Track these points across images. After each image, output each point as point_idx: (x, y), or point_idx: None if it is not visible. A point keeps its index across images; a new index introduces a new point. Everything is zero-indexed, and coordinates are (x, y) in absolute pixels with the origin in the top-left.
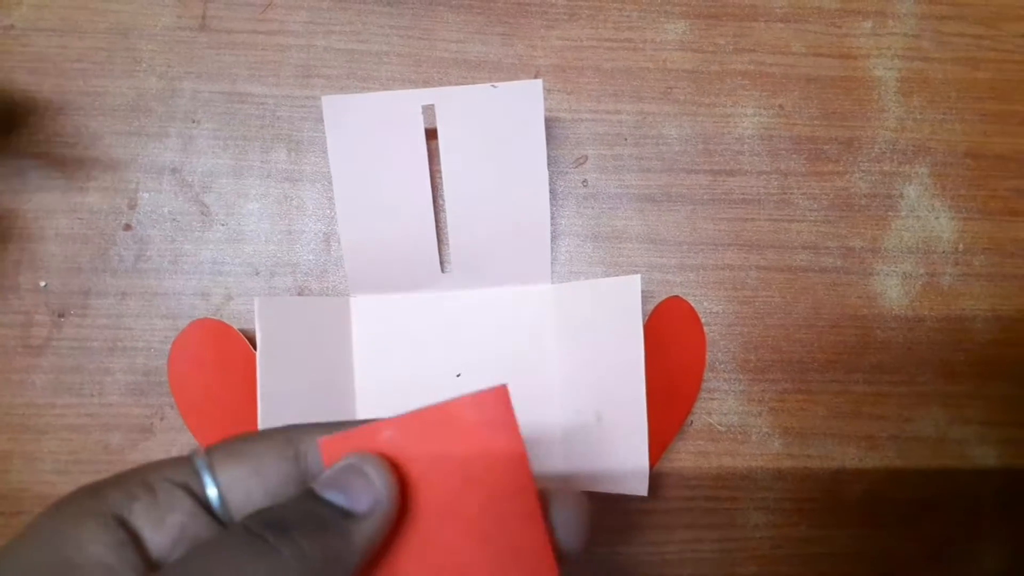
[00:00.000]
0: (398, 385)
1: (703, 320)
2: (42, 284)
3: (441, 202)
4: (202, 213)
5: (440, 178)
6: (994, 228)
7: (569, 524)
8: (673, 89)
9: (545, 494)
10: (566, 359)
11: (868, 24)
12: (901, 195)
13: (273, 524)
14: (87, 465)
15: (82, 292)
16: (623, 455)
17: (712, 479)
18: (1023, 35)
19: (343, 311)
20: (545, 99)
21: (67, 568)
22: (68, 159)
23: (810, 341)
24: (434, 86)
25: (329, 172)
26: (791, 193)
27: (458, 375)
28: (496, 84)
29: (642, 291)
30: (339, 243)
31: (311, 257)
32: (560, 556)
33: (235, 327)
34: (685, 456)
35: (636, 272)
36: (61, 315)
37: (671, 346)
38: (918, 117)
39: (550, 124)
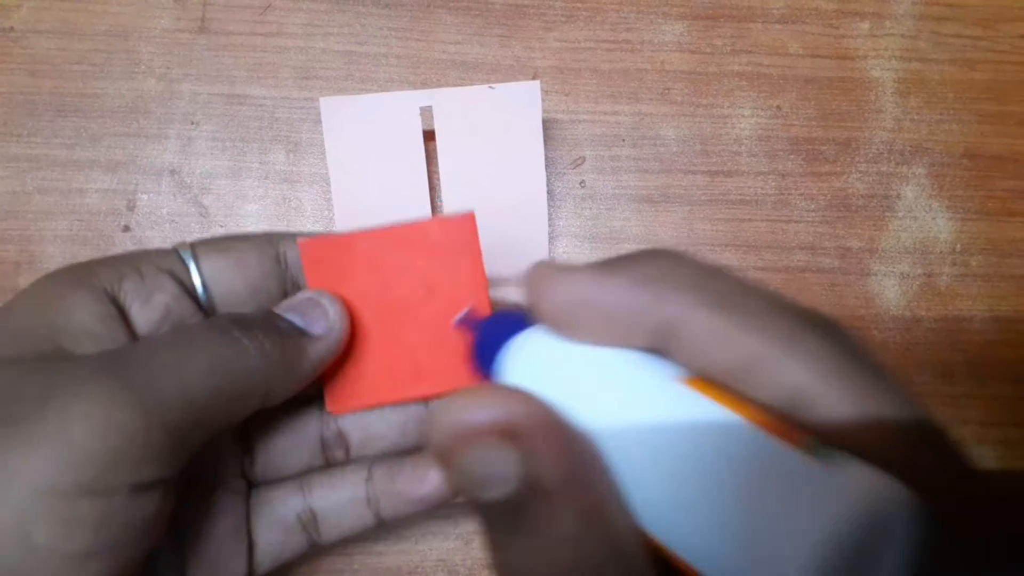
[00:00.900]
0: None
1: None
2: None
3: (439, 203)
4: (201, 215)
5: (438, 179)
6: (991, 229)
7: None
8: (671, 90)
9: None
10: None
11: (865, 25)
12: (898, 196)
13: (239, 321)
14: None
15: None
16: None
17: None
18: (1020, 36)
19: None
20: (543, 100)
21: (52, 331)
22: (67, 161)
23: None
24: (432, 87)
25: (327, 173)
26: (788, 194)
27: None
28: (494, 85)
29: None
30: None
31: None
32: None
33: None
34: None
35: None
36: None
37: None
38: (915, 118)
39: (548, 125)
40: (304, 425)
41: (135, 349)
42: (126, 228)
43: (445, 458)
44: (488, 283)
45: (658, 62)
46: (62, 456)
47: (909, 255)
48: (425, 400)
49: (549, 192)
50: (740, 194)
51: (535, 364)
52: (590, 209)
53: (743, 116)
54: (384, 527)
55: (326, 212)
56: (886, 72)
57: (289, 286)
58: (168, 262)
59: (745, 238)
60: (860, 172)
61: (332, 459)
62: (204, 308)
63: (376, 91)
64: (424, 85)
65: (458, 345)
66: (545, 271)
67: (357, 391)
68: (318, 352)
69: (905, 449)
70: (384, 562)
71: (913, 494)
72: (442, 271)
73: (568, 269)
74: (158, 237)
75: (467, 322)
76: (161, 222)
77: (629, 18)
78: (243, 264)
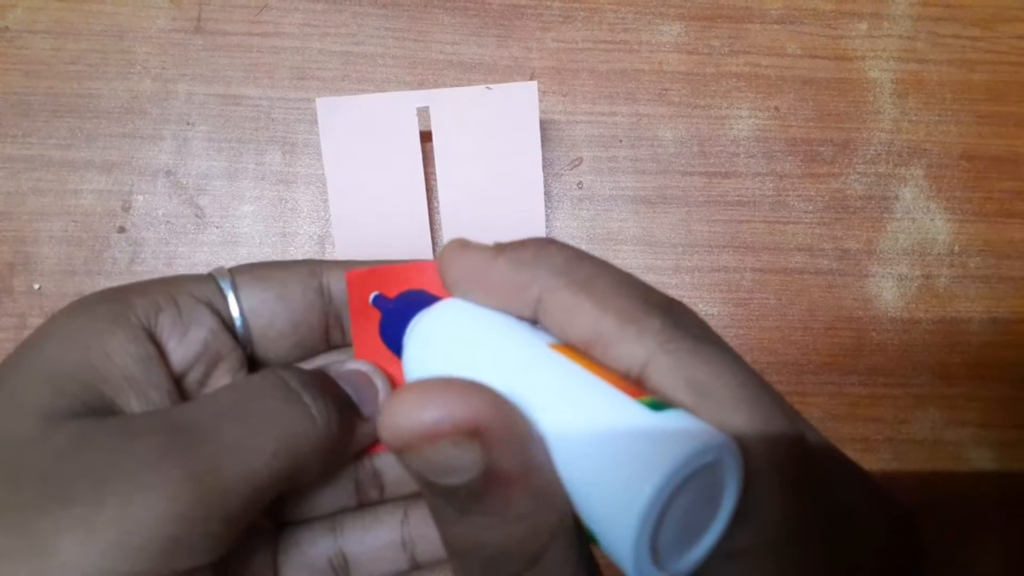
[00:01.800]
0: None
1: None
2: (36, 287)
3: (436, 204)
4: (196, 215)
5: (435, 180)
6: (989, 230)
7: None
8: (668, 91)
9: None
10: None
11: (863, 26)
12: (896, 197)
13: (308, 385)
14: None
15: (76, 294)
16: None
17: None
18: (1018, 36)
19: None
20: (540, 101)
21: (93, 375)
22: (62, 161)
23: (805, 343)
24: (429, 88)
25: (324, 174)
26: (786, 195)
27: None
28: (491, 86)
29: None
30: (333, 245)
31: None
32: None
33: None
34: None
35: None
36: None
37: None
38: (913, 119)
39: (545, 126)
40: (338, 463)
41: (201, 425)
42: (121, 229)
43: (402, 449)
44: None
45: (656, 63)
46: (118, 546)
47: (907, 256)
48: None
49: (547, 193)
50: (738, 195)
51: (440, 328)
52: (587, 210)
53: (741, 117)
54: (418, 572)
55: (322, 213)
56: (884, 73)
57: (331, 320)
58: (205, 291)
59: (743, 239)
60: (858, 173)
61: (366, 499)
62: (241, 342)
63: (373, 91)
64: (421, 85)
65: None
66: (453, 246)
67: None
68: (363, 436)
69: (727, 407)
70: None
71: (732, 439)
72: None
73: (469, 247)
74: (153, 238)
75: (377, 303)
76: (157, 223)
77: (627, 19)
78: (286, 296)
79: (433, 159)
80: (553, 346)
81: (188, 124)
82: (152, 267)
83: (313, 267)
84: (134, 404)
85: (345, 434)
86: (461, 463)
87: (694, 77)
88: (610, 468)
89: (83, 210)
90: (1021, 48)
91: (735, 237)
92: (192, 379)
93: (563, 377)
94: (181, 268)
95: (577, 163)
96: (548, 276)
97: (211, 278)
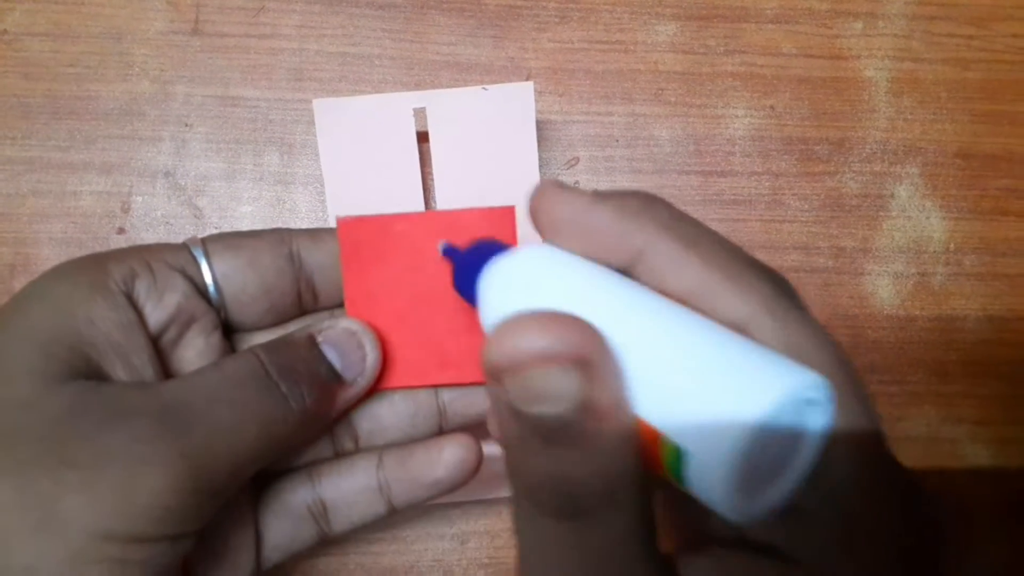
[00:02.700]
0: None
1: None
2: None
3: (433, 204)
4: (195, 216)
5: (432, 180)
6: (985, 228)
7: None
8: (664, 91)
9: None
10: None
11: (859, 25)
12: (892, 195)
13: (286, 373)
14: None
15: None
16: None
17: None
18: (1013, 35)
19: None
20: (537, 101)
21: (79, 340)
22: (61, 163)
23: None
24: (426, 89)
25: (321, 175)
26: (782, 194)
27: None
28: (487, 87)
29: None
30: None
31: None
32: None
33: None
34: None
35: None
36: None
37: None
38: (909, 117)
39: (542, 126)
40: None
41: (191, 408)
42: (121, 230)
43: (502, 374)
44: None
45: (651, 63)
46: (120, 509)
47: (903, 254)
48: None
49: None
50: (734, 194)
51: (523, 277)
52: None
53: (737, 116)
54: (395, 515)
55: (320, 214)
56: (879, 72)
57: (302, 285)
58: (179, 259)
59: (739, 238)
60: (854, 172)
61: (341, 450)
62: (215, 307)
63: (370, 92)
64: (418, 86)
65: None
66: (549, 188)
67: (379, 375)
68: (346, 399)
69: (819, 366)
70: (380, 562)
71: (829, 383)
72: None
73: (568, 190)
74: (153, 239)
75: (449, 252)
76: (155, 224)
77: (622, 19)
78: (256, 262)
79: (430, 160)
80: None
81: (186, 125)
82: None
83: (283, 235)
84: (118, 367)
85: (324, 407)
86: (561, 391)
87: (690, 77)
88: (719, 391)
89: (82, 211)
90: (1016, 47)
91: (731, 236)
92: (167, 339)
93: (669, 313)
94: None
95: (574, 163)
96: (655, 228)
97: (184, 247)
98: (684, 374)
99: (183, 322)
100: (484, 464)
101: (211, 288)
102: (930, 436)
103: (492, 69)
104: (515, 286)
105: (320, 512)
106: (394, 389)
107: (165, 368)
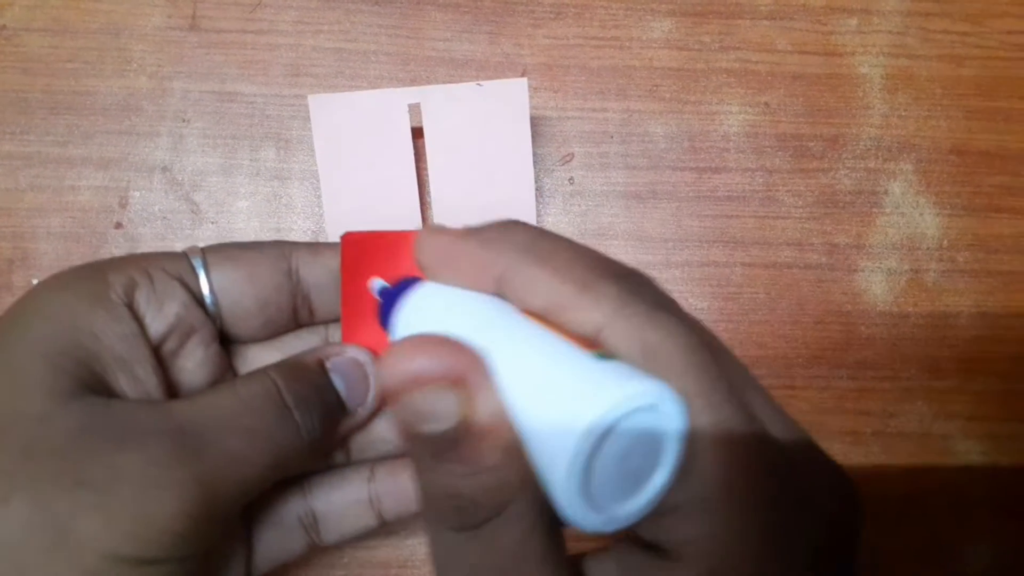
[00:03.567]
0: None
1: None
2: (34, 282)
3: (428, 199)
4: (192, 211)
5: (427, 176)
6: (978, 224)
7: None
8: (659, 87)
9: None
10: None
11: (853, 21)
12: (886, 192)
13: (301, 402)
14: None
15: None
16: None
17: None
18: (1008, 32)
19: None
20: (532, 97)
21: (85, 354)
22: (60, 158)
23: (795, 337)
24: (422, 84)
25: (317, 170)
26: (776, 190)
27: None
28: (482, 83)
29: None
30: (327, 240)
31: None
32: None
33: None
34: None
35: None
36: None
37: None
38: (903, 114)
39: (537, 122)
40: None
41: (205, 433)
42: (118, 225)
43: (393, 396)
44: None
45: (646, 59)
46: (134, 532)
47: (896, 251)
48: None
49: (538, 189)
50: (728, 191)
51: (419, 308)
52: (579, 206)
53: (731, 113)
54: (385, 528)
55: (316, 209)
56: (874, 68)
57: (299, 300)
58: (178, 268)
59: (733, 234)
60: (848, 168)
61: (333, 463)
62: (212, 317)
63: (366, 88)
64: (414, 82)
65: None
66: (425, 232)
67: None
68: (347, 428)
69: (675, 370)
70: (374, 556)
71: (673, 391)
72: None
73: (441, 232)
74: (150, 234)
75: (380, 292)
76: (153, 219)
77: (617, 15)
78: (254, 276)
79: (425, 155)
80: (516, 313)
81: (184, 121)
82: None
83: (283, 249)
84: (123, 380)
85: (329, 436)
86: (442, 410)
87: (684, 73)
88: (553, 407)
89: (80, 206)
90: (1010, 43)
91: (725, 232)
92: (168, 349)
93: (519, 332)
94: None
95: (568, 159)
96: (511, 252)
97: (183, 256)
98: (531, 396)
99: (183, 332)
100: None
101: (208, 299)
102: (923, 432)
103: (488, 65)
104: (407, 321)
105: (311, 523)
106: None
107: (167, 379)
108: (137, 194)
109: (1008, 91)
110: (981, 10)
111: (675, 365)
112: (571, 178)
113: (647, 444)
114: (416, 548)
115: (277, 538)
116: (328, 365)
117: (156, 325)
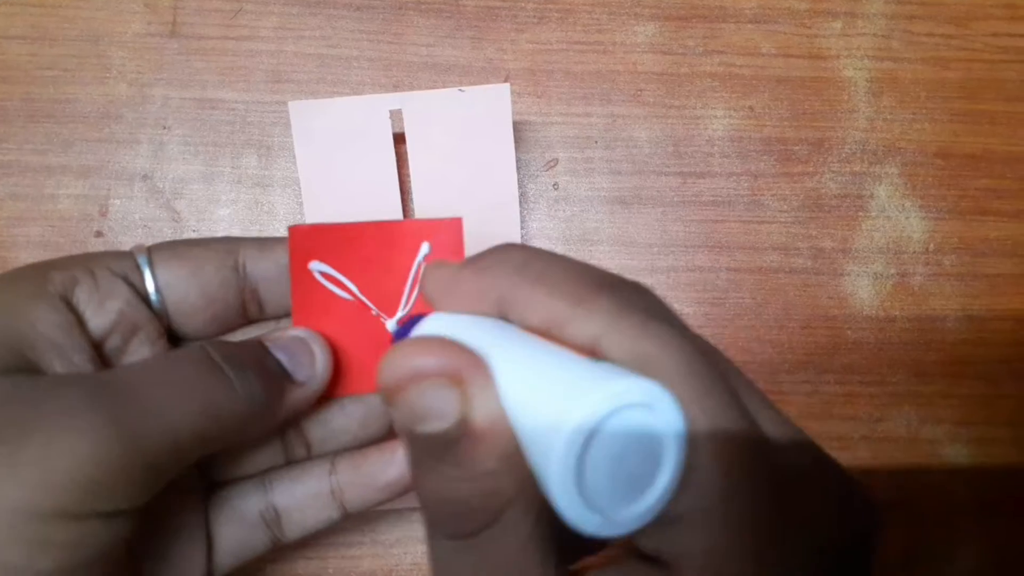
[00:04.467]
0: None
1: None
2: None
3: (411, 206)
4: (173, 219)
5: (409, 182)
6: (964, 228)
7: None
8: (643, 91)
9: None
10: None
11: (838, 25)
12: (871, 195)
13: (231, 359)
14: None
15: None
16: None
17: None
18: (993, 34)
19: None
20: (515, 102)
21: (20, 341)
22: (39, 166)
23: (781, 342)
24: (404, 90)
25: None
26: (761, 194)
27: None
28: (464, 88)
29: None
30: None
31: None
32: None
33: None
34: None
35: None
36: None
37: None
38: (888, 117)
39: (520, 127)
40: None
41: (126, 383)
42: (98, 234)
43: (392, 395)
44: None
45: (630, 63)
46: (42, 481)
47: (882, 255)
48: None
49: (522, 194)
50: (713, 195)
51: (425, 332)
52: (563, 211)
53: (715, 117)
54: (350, 520)
55: (298, 216)
56: (859, 71)
57: (247, 295)
58: (122, 266)
59: (718, 239)
60: (833, 172)
61: (293, 457)
62: (158, 314)
63: (348, 94)
64: (396, 88)
65: None
66: (429, 268)
67: (331, 382)
68: (296, 400)
69: (670, 379)
70: (359, 566)
71: (669, 391)
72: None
73: (442, 267)
74: (131, 242)
75: (395, 333)
76: (134, 227)
77: (601, 20)
78: (200, 272)
79: (407, 161)
80: (519, 331)
81: (164, 128)
82: None
83: (231, 245)
84: (58, 366)
85: (274, 400)
86: (441, 408)
87: (668, 77)
88: (546, 405)
89: (60, 215)
90: (995, 46)
91: (710, 237)
92: (111, 346)
93: (519, 343)
94: None
95: (552, 164)
96: (506, 275)
97: (129, 254)
98: (523, 397)
99: (127, 329)
100: None
101: (153, 297)
102: (910, 436)
103: (471, 70)
104: None
105: (273, 519)
106: (340, 397)
107: None
108: (117, 202)
109: (993, 94)
110: (966, 13)
111: (670, 373)
112: (555, 184)
113: (645, 444)
114: (402, 557)
115: (239, 535)
116: (268, 344)
117: (97, 321)
